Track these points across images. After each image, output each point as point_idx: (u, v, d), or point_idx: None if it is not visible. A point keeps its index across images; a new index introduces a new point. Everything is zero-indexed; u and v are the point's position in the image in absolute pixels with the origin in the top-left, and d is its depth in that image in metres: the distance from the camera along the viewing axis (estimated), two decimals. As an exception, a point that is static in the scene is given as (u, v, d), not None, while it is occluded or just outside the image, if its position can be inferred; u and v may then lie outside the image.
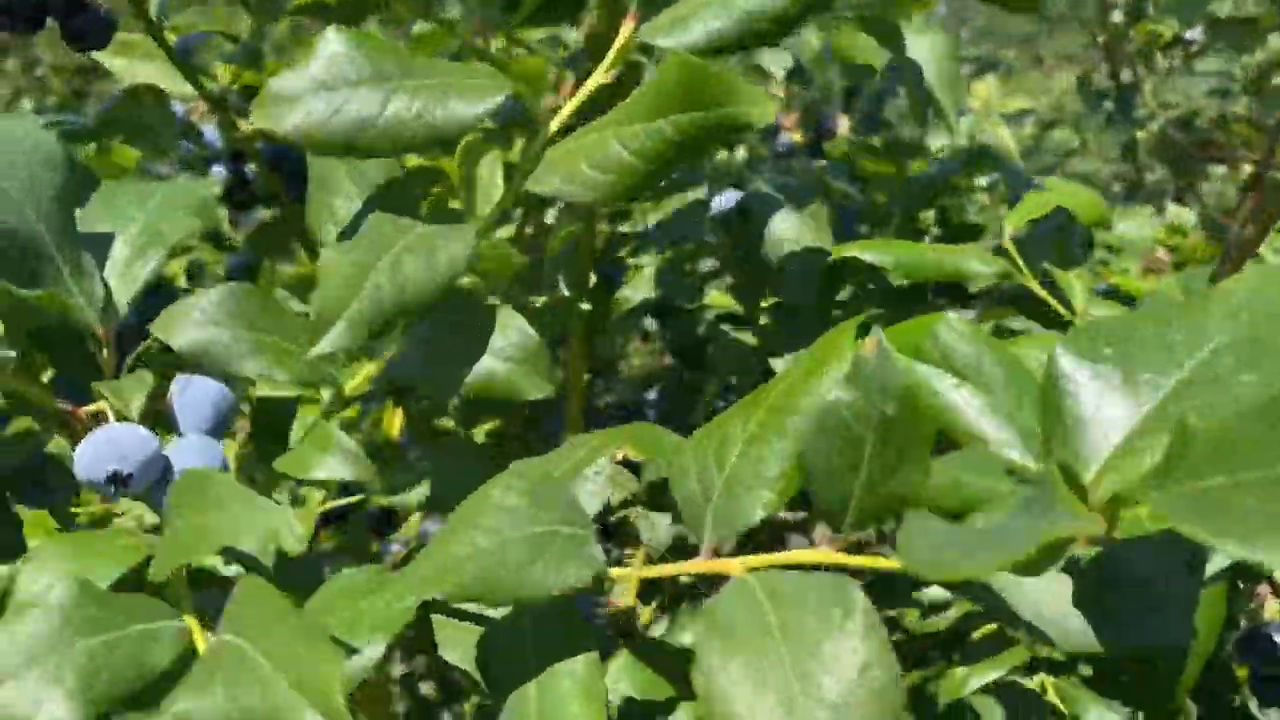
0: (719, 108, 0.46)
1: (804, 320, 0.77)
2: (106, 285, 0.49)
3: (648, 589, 0.91)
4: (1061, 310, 0.77)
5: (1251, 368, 0.39)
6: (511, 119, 0.95)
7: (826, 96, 1.13)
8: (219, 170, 0.85)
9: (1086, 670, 0.70)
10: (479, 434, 0.93)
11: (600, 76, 0.53)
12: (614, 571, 0.45)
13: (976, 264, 0.80)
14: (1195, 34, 1.41)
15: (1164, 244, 1.07)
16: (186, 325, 0.50)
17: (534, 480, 0.44)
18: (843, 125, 1.11)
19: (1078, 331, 0.44)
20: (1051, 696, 0.71)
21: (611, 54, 0.53)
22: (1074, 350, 0.43)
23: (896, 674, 0.38)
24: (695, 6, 0.50)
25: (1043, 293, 0.79)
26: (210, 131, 0.84)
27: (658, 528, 0.94)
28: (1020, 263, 0.79)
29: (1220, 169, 1.44)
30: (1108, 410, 0.41)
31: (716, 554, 0.45)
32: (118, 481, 0.44)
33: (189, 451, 0.47)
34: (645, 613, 0.88)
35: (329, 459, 0.52)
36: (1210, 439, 0.31)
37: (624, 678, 0.79)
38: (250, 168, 0.85)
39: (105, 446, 0.44)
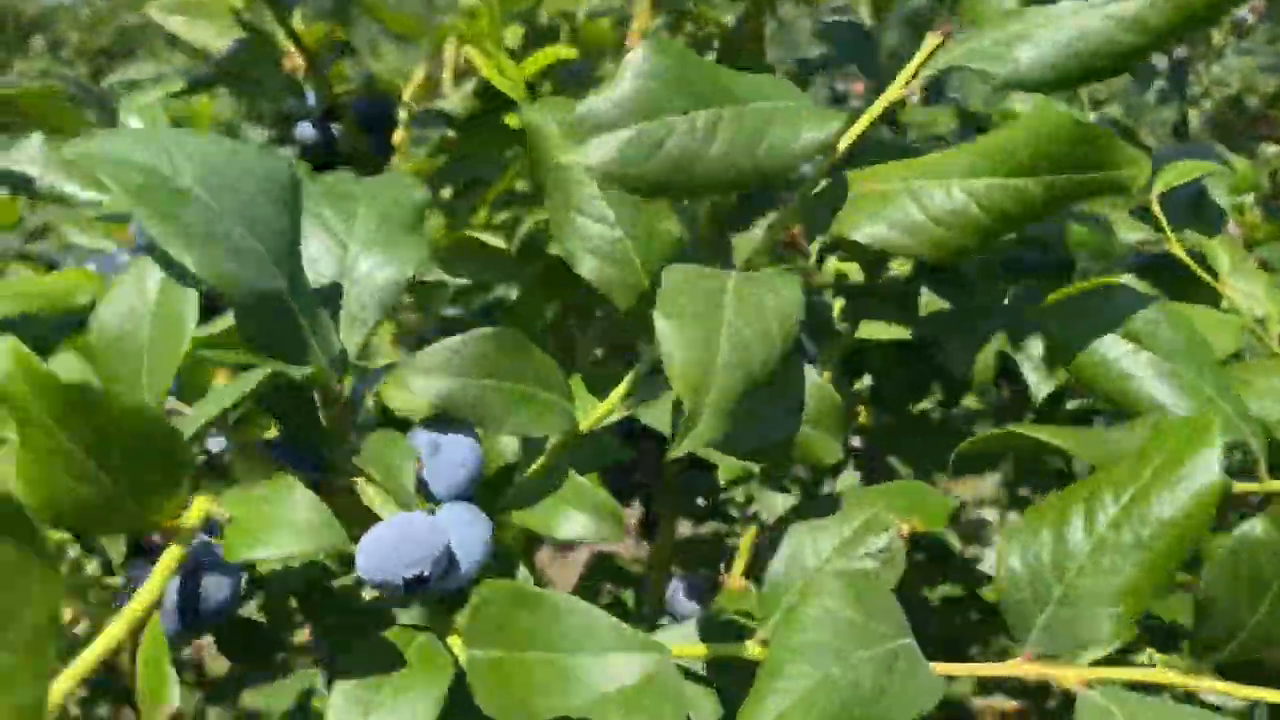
0: (1097, 171, 0.40)
1: (969, 290, 0.73)
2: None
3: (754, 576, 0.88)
4: (1207, 278, 0.74)
5: None
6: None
7: (895, 64, 1.07)
8: (306, 128, 0.77)
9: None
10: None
11: (894, 93, 0.46)
12: (944, 668, 0.41)
13: (1124, 230, 0.77)
14: (1244, 13, 1.37)
15: (1235, 219, 1.05)
16: (437, 375, 0.43)
17: (858, 583, 0.40)
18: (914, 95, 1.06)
19: None
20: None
21: (910, 69, 0.46)
22: None
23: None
24: (1028, 26, 0.43)
25: (1187, 259, 0.76)
26: (309, 92, 0.76)
27: (774, 507, 0.91)
28: (1168, 229, 0.77)
29: (1273, 148, 1.42)
30: None
31: (1034, 659, 0.42)
32: (416, 584, 0.38)
33: (464, 529, 0.41)
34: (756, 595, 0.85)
35: (581, 516, 0.47)
36: None
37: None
38: (335, 128, 0.78)
39: (397, 545, 0.37)
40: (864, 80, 1.03)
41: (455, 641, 0.39)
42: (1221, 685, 0.39)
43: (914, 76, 0.45)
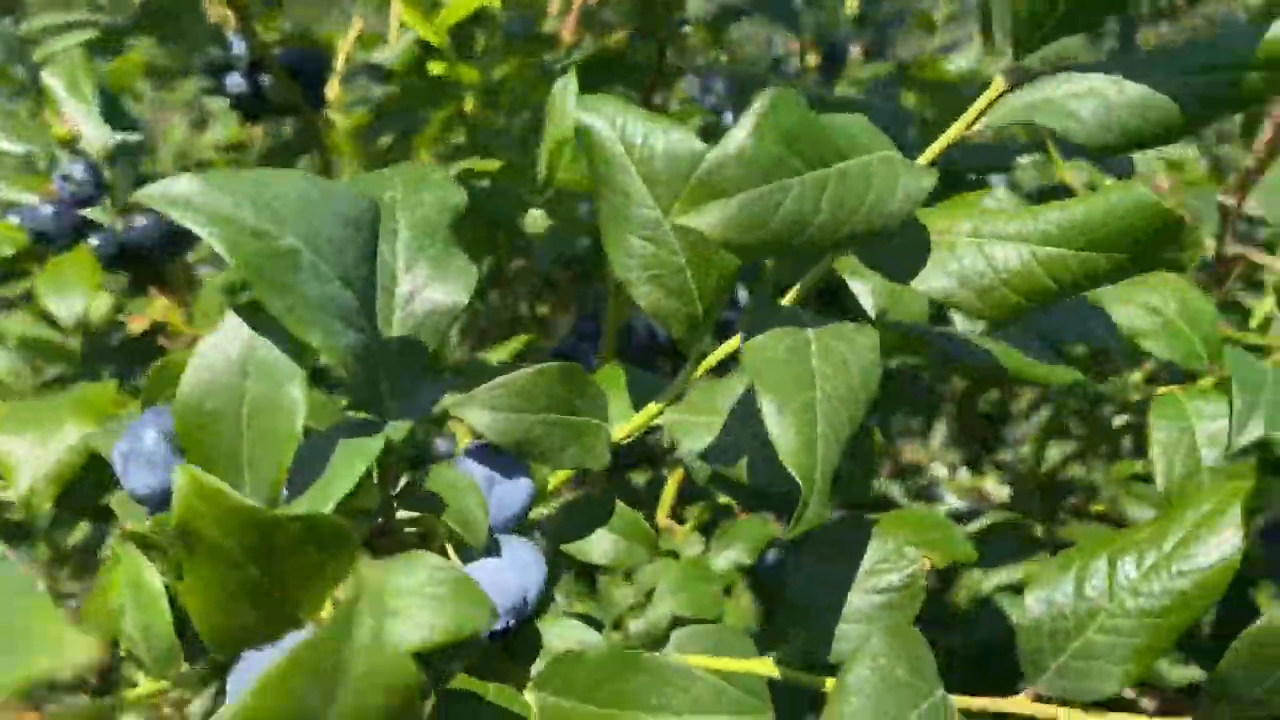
0: (1163, 253, 0.43)
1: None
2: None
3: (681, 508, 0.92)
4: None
5: None
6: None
7: (835, 21, 1.10)
8: (235, 80, 0.74)
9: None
10: (504, 357, 0.87)
11: (955, 133, 0.47)
12: (961, 701, 0.45)
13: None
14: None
15: (1167, 174, 1.14)
16: (492, 408, 0.42)
17: (904, 637, 0.43)
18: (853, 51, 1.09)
19: None
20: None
21: (968, 116, 0.47)
22: None
23: None
24: (1097, 84, 0.45)
25: (1074, 186, 0.86)
26: (236, 42, 0.74)
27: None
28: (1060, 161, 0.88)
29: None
30: None
31: (1040, 698, 0.47)
32: (501, 635, 0.38)
33: (528, 571, 0.41)
34: (680, 533, 0.89)
35: (610, 536, 0.47)
36: None
37: (670, 598, 0.81)
38: (265, 78, 0.75)
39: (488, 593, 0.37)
40: (796, 38, 1.05)
41: (528, 693, 0.40)
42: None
43: (972, 124, 0.46)
